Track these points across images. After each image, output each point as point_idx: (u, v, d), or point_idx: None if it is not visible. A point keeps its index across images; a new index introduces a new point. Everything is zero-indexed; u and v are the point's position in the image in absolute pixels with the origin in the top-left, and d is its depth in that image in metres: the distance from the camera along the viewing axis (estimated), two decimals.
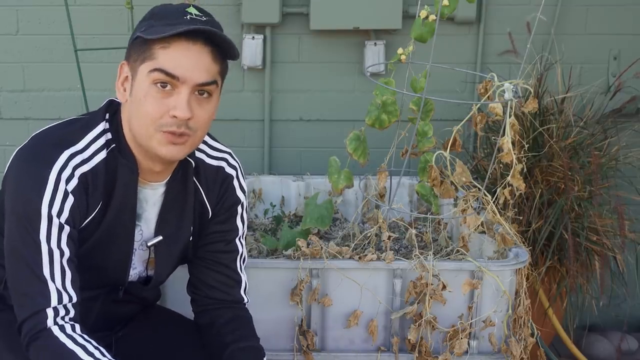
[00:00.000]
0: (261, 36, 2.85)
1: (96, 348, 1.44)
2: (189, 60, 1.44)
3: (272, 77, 2.93)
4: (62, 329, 1.43)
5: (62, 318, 1.44)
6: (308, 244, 2.00)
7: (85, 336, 1.46)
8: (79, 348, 1.42)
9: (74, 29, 2.51)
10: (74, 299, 1.47)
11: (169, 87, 1.45)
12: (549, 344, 2.77)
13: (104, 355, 1.43)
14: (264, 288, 1.95)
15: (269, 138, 2.97)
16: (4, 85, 2.93)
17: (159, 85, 1.45)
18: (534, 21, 1.92)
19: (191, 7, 1.48)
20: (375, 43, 2.84)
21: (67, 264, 1.46)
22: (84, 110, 2.62)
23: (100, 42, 2.79)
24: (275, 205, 2.61)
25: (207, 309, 1.71)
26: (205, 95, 1.49)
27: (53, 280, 1.44)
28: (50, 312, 1.43)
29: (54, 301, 1.43)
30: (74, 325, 1.46)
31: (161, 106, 1.45)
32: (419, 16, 1.98)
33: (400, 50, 2.04)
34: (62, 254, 1.45)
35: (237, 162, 1.73)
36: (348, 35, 2.88)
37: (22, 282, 1.45)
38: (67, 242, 1.46)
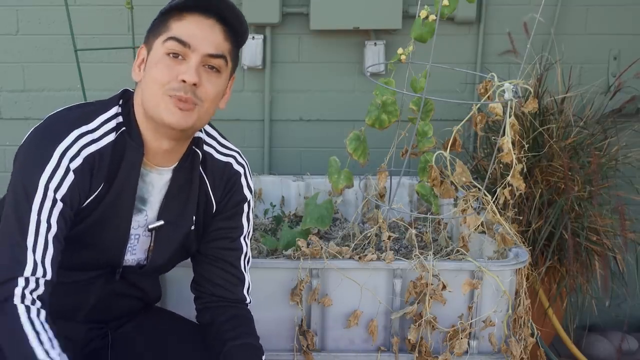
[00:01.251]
0: (261, 36, 2.85)
1: (50, 340, 1.41)
2: (201, 31, 1.52)
3: (272, 77, 2.93)
4: (27, 310, 1.42)
5: (31, 292, 1.43)
6: (308, 244, 2.00)
7: (47, 325, 1.43)
8: (33, 333, 1.40)
9: (74, 29, 2.51)
10: (48, 276, 1.46)
11: (180, 57, 1.51)
12: (549, 344, 2.77)
13: (53, 348, 1.40)
14: (264, 288, 1.95)
15: (269, 138, 2.97)
16: (4, 85, 2.93)
17: (171, 55, 1.51)
18: (532, 21, 1.92)
19: None
20: (375, 43, 2.84)
21: (53, 240, 1.47)
22: None
23: (100, 42, 2.79)
24: (275, 205, 2.62)
25: (209, 306, 1.72)
26: (215, 70, 1.55)
27: (34, 251, 1.45)
28: (21, 281, 1.43)
29: (27, 271, 1.44)
30: (39, 310, 1.44)
31: (171, 72, 1.51)
32: (419, 16, 1.98)
33: (400, 50, 2.04)
34: (49, 228, 1.47)
35: (245, 161, 1.76)
36: (348, 35, 2.88)
37: (4, 247, 1.47)
38: (57, 219, 1.48)
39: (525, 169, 2.30)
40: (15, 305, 1.42)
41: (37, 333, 1.41)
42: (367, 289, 1.99)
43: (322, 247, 1.98)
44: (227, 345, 1.65)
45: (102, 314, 1.71)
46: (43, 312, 1.45)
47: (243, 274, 1.73)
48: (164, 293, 1.91)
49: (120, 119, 1.58)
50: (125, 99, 1.61)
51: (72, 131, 1.52)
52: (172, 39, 1.51)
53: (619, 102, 2.80)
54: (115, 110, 1.58)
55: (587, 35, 2.92)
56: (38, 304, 1.44)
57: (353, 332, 2.02)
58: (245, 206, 1.73)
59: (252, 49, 2.84)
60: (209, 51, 1.52)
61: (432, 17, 1.95)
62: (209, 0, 1.52)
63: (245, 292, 1.74)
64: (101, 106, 1.59)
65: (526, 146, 2.36)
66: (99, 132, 1.54)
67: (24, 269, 1.43)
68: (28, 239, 1.45)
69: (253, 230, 2.41)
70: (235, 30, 1.57)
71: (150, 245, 1.67)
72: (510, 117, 1.92)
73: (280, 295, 1.99)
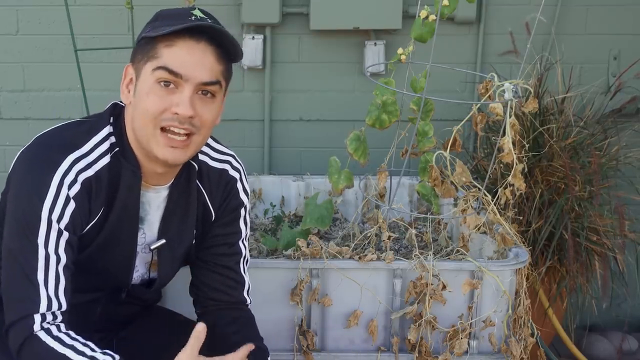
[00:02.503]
0: (261, 36, 2.85)
1: (85, 345, 1.43)
2: (192, 59, 1.45)
3: (272, 77, 2.93)
4: (48, 332, 1.43)
5: (48, 323, 1.44)
6: (308, 244, 2.00)
7: (72, 333, 1.45)
8: (69, 349, 1.41)
9: (74, 29, 2.51)
10: (64, 307, 1.46)
11: (172, 85, 1.45)
12: (549, 344, 2.76)
13: (94, 351, 1.43)
14: (264, 288, 1.95)
15: (269, 138, 2.97)
16: (4, 85, 2.93)
17: (162, 83, 1.45)
18: (532, 21, 1.91)
19: (196, 9, 1.49)
20: (375, 43, 2.84)
21: (63, 270, 1.45)
22: (84, 110, 2.62)
23: (100, 42, 2.79)
24: (275, 205, 2.61)
25: (210, 310, 1.71)
26: (209, 95, 1.49)
27: (46, 286, 1.43)
28: (37, 317, 1.43)
29: (42, 307, 1.43)
30: (59, 325, 1.45)
31: (163, 102, 1.45)
32: (419, 16, 1.98)
33: (400, 50, 2.04)
34: (58, 260, 1.45)
35: (240, 164, 1.73)
36: (348, 35, 2.88)
37: (14, 285, 1.44)
38: (65, 248, 1.46)
39: (525, 169, 2.30)
40: (37, 335, 1.42)
41: (71, 347, 1.42)
42: (367, 289, 1.98)
43: (322, 247, 1.98)
44: (234, 350, 1.64)
45: (106, 325, 1.71)
46: (62, 325, 1.45)
47: (243, 276, 1.73)
48: (163, 293, 1.91)
49: (112, 139, 1.53)
50: (116, 115, 1.56)
51: (67, 156, 1.47)
52: (162, 69, 1.44)
53: (619, 102, 2.80)
54: (107, 130, 1.53)
55: (587, 35, 2.92)
56: (56, 322, 1.45)
57: (353, 332, 2.02)
58: (242, 210, 1.72)
59: (252, 49, 2.84)
60: (202, 79, 1.46)
61: (432, 17, 1.95)
62: (200, 27, 1.45)
63: (245, 293, 1.74)
64: (91, 126, 1.54)
65: (526, 146, 2.36)
66: (93, 156, 1.50)
67: (39, 306, 1.43)
68: (38, 275, 1.43)
69: (253, 231, 2.42)
70: (227, 49, 1.50)
71: (152, 260, 1.66)
72: (510, 117, 1.92)
73: (280, 295, 1.99)
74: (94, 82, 2.71)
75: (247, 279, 1.74)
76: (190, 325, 1.78)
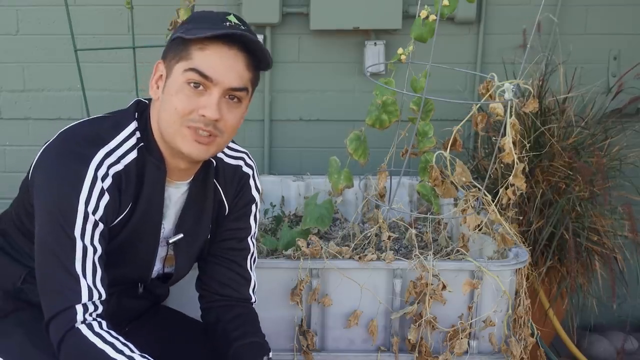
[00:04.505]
0: (261, 36, 2.85)
1: (125, 344, 1.45)
2: (223, 64, 1.47)
3: (272, 77, 2.93)
4: (89, 327, 1.44)
5: (90, 314, 1.45)
6: (308, 244, 2.00)
7: (113, 332, 1.46)
8: (108, 346, 1.43)
9: (74, 29, 2.51)
10: (103, 296, 1.48)
11: (201, 87, 1.47)
12: (549, 344, 2.76)
13: (133, 352, 1.44)
14: (264, 288, 1.95)
15: (269, 138, 2.97)
16: (4, 85, 2.93)
17: (192, 84, 1.47)
18: (544, 21, 1.91)
19: (231, 15, 1.51)
20: (375, 43, 2.84)
21: (98, 261, 1.47)
22: (84, 110, 2.62)
23: (100, 42, 2.79)
24: (275, 205, 2.61)
25: (214, 305, 1.73)
26: (235, 100, 1.51)
27: (85, 276, 1.44)
28: (80, 308, 1.44)
29: (84, 297, 1.44)
30: (100, 322, 1.46)
31: (191, 103, 1.47)
32: (419, 16, 1.98)
33: (400, 50, 2.04)
34: (95, 250, 1.46)
35: (253, 162, 1.76)
36: (348, 35, 2.88)
37: (52, 278, 1.45)
38: (99, 240, 1.48)
39: (526, 169, 2.30)
40: (78, 329, 1.43)
41: (111, 344, 1.43)
42: (367, 289, 1.98)
43: (322, 247, 1.98)
44: (234, 345, 1.66)
45: (115, 319, 1.70)
46: (104, 323, 1.47)
47: (249, 273, 1.75)
48: None
49: (138, 134, 1.55)
50: (140, 111, 1.58)
51: (98, 150, 1.49)
52: (193, 71, 1.46)
53: (620, 103, 2.80)
54: (133, 125, 1.55)
55: (587, 35, 2.92)
56: (96, 317, 1.46)
57: (353, 332, 2.02)
58: (253, 207, 1.75)
59: None
60: (231, 85, 1.48)
61: (432, 17, 1.95)
62: (235, 35, 1.47)
63: (250, 291, 1.75)
64: (117, 122, 1.56)
65: (527, 146, 2.36)
66: (121, 150, 1.52)
67: (81, 296, 1.44)
68: (77, 267, 1.44)
69: None
70: (258, 58, 1.52)
71: (167, 254, 1.67)
72: (510, 117, 1.92)
73: (280, 295, 1.99)
74: (94, 82, 2.71)
75: (253, 276, 1.76)
76: (196, 324, 1.79)
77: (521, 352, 2.01)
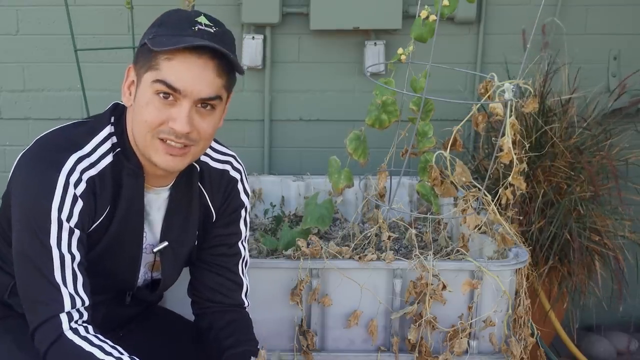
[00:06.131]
0: (261, 36, 2.85)
1: (113, 347, 1.44)
2: (192, 74, 1.42)
3: (272, 77, 2.93)
4: (75, 332, 1.43)
5: (76, 322, 1.44)
6: (308, 244, 2.00)
7: (100, 336, 1.46)
8: (96, 349, 1.42)
9: (74, 29, 2.51)
10: (86, 303, 1.46)
11: (171, 98, 1.43)
12: (549, 344, 2.76)
13: (122, 354, 1.44)
14: (264, 288, 1.95)
15: (269, 138, 2.97)
16: (4, 85, 2.93)
17: (161, 95, 1.43)
18: (549, 24, 1.91)
19: (202, 16, 1.46)
20: (375, 43, 2.84)
21: (78, 267, 1.45)
22: (84, 110, 2.62)
23: (100, 42, 2.79)
24: (275, 205, 2.61)
25: (207, 312, 1.71)
26: (209, 108, 1.47)
27: (65, 285, 1.43)
28: (64, 317, 1.43)
29: (67, 306, 1.43)
30: (87, 327, 1.45)
31: (161, 115, 1.43)
32: (419, 16, 1.97)
33: (400, 50, 2.03)
34: (73, 258, 1.45)
35: (241, 165, 1.73)
36: (348, 35, 2.88)
37: (33, 288, 1.44)
38: (77, 246, 1.46)
39: (527, 169, 2.30)
40: (65, 335, 1.42)
41: (99, 347, 1.43)
42: (367, 289, 1.98)
43: (322, 247, 1.98)
44: (226, 354, 1.64)
45: (109, 326, 1.70)
46: (90, 327, 1.46)
47: (241, 278, 1.73)
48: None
49: (114, 139, 1.52)
50: (117, 115, 1.55)
51: (70, 156, 1.46)
52: (161, 82, 1.41)
53: (621, 103, 2.80)
54: (108, 130, 1.52)
55: (587, 35, 2.91)
56: (82, 323, 1.45)
57: (353, 332, 2.02)
58: (243, 211, 1.72)
59: (252, 49, 2.84)
60: (201, 95, 1.43)
61: (432, 17, 1.95)
62: (200, 45, 1.41)
63: (243, 296, 1.74)
64: (91, 127, 1.53)
65: (527, 146, 2.36)
66: (95, 156, 1.49)
67: (64, 305, 1.43)
68: (56, 276, 1.43)
69: (253, 231, 2.42)
70: (231, 61, 1.47)
71: (154, 261, 1.66)
72: (510, 117, 1.92)
73: (280, 295, 1.99)
74: (94, 82, 2.71)
75: (245, 281, 1.74)
76: (190, 326, 1.78)
77: (521, 352, 2.01)
